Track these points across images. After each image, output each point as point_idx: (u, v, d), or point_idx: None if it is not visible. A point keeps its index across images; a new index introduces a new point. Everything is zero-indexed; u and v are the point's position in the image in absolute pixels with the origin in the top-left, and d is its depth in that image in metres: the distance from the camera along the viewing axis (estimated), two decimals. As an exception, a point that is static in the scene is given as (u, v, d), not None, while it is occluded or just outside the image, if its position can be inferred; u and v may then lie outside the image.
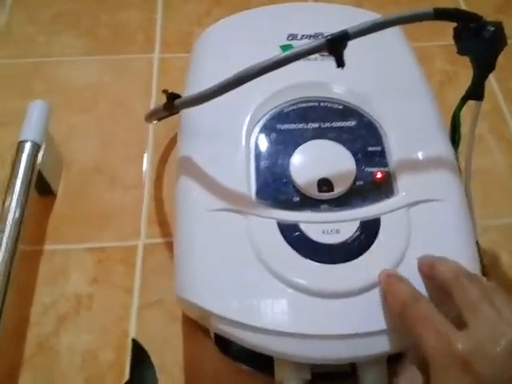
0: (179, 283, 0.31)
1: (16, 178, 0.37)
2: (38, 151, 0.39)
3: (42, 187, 0.43)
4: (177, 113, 0.40)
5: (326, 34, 0.29)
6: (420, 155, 0.34)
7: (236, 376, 0.36)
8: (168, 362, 0.36)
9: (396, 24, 0.29)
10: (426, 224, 0.31)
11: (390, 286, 0.28)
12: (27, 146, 0.39)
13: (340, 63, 0.29)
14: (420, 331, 0.24)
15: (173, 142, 0.47)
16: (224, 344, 0.35)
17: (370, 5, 0.59)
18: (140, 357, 0.37)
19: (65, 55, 0.54)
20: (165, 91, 0.33)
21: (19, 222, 0.36)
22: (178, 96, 0.33)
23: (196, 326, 0.36)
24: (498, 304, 0.23)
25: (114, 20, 0.57)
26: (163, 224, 0.43)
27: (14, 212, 0.35)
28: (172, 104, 0.32)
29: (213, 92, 0.30)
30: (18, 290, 0.39)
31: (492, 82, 0.52)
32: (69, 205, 0.44)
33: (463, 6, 0.60)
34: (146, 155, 0.47)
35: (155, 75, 0.52)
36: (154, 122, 0.43)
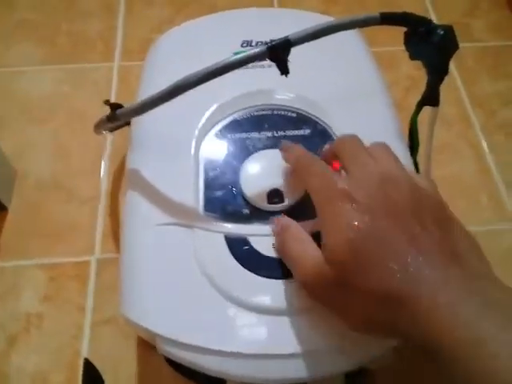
0: (123, 302, 0.30)
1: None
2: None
3: (-9, 202, 0.41)
4: (127, 124, 0.38)
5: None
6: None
7: (191, 395, 0.34)
8: (121, 382, 0.35)
9: (341, 29, 0.28)
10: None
11: (288, 149, 0.31)
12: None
13: (283, 71, 0.28)
14: (308, 177, 0.27)
15: (130, 153, 0.46)
16: (176, 363, 0.34)
17: (338, 9, 0.59)
18: (92, 377, 0.35)
19: (22, 65, 0.52)
20: (107, 101, 0.31)
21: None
22: (120, 106, 0.31)
23: (150, 344, 0.35)
24: (376, 155, 0.27)
25: (74, 29, 0.55)
26: (118, 238, 0.41)
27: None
28: (114, 114, 0.31)
29: (153, 101, 0.29)
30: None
31: (459, 85, 0.51)
32: (21, 219, 0.42)
33: (431, 10, 0.60)
34: (102, 167, 0.45)
35: (115, 84, 0.51)
36: (104, 133, 0.41)
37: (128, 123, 0.41)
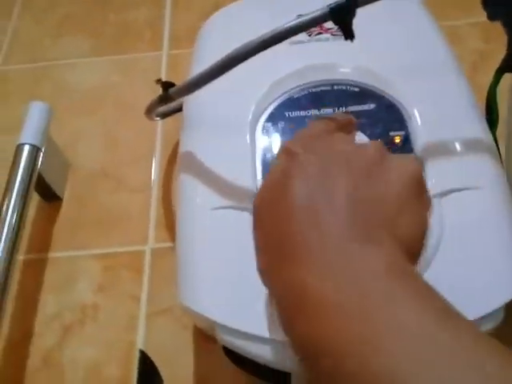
0: (181, 290, 0.28)
1: (14, 182, 0.35)
2: (37, 154, 0.37)
3: (45, 192, 0.41)
4: (179, 110, 0.37)
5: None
6: (451, 139, 0.30)
7: (251, 391, 0.32)
8: (178, 375, 0.34)
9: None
10: (461, 216, 0.27)
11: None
12: (26, 149, 0.37)
13: (348, 35, 0.25)
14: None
15: (181, 141, 0.45)
16: (236, 355, 0.32)
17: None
18: (148, 370, 0.34)
19: (71, 57, 0.52)
20: (159, 81, 0.30)
21: (16, 229, 0.33)
22: (173, 85, 0.30)
23: (208, 335, 0.33)
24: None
25: (121, 19, 0.55)
26: (172, 227, 0.40)
27: (10, 218, 0.33)
28: (167, 93, 0.30)
29: (208, 75, 0.27)
30: (22, 300, 0.37)
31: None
32: (75, 210, 0.42)
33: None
34: (153, 157, 0.44)
35: (164, 72, 0.50)
36: (157, 119, 0.40)
37: (180, 109, 0.40)
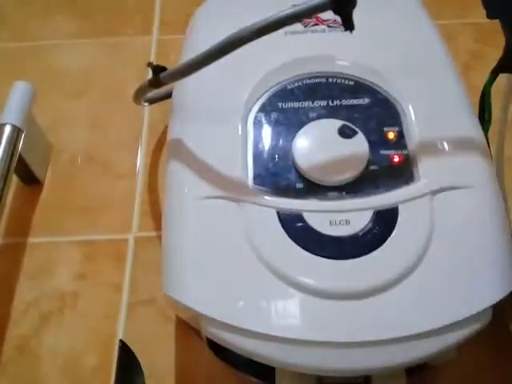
0: (166, 280, 0.28)
1: (-7, 163, 0.34)
2: (18, 135, 0.36)
3: (26, 176, 0.40)
4: (168, 97, 0.36)
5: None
6: (444, 136, 0.29)
7: (233, 383, 0.32)
8: (158, 366, 0.33)
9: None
10: (451, 215, 0.27)
11: None
12: (7, 130, 0.35)
13: (348, 25, 0.24)
14: None
15: (169, 128, 0.44)
16: (219, 348, 0.31)
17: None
18: (128, 360, 0.33)
19: (58, 38, 0.51)
20: (150, 64, 0.29)
21: (-6, 212, 0.32)
22: (164, 69, 0.29)
23: (191, 327, 0.32)
24: None
25: (111, 2, 0.53)
26: (157, 216, 0.39)
27: (-12, 200, 0.32)
28: (158, 78, 0.29)
29: (203, 59, 0.26)
30: (-1, 286, 0.36)
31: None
32: (56, 195, 0.41)
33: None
34: (139, 143, 0.43)
35: (153, 58, 0.49)
36: (145, 105, 0.39)
37: (168, 96, 0.39)
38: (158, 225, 0.39)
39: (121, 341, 0.34)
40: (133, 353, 0.33)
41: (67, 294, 0.36)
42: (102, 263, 0.37)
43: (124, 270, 0.37)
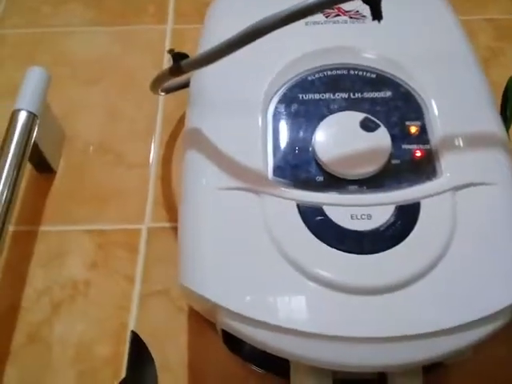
0: (183, 270, 0.27)
1: (8, 148, 0.33)
2: (33, 122, 0.36)
3: (40, 164, 0.40)
4: (184, 86, 0.36)
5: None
6: (467, 132, 0.29)
7: (246, 378, 0.32)
8: (170, 358, 0.33)
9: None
10: (474, 211, 0.26)
11: None
12: (22, 116, 0.35)
13: (376, 15, 0.24)
14: None
15: (183, 119, 0.43)
16: (233, 342, 0.31)
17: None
18: (139, 352, 0.33)
19: (72, 26, 0.50)
20: (171, 51, 0.28)
21: (8, 200, 0.32)
22: (185, 56, 0.29)
23: (203, 319, 0.32)
24: None
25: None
26: (170, 207, 0.39)
27: (3, 188, 0.32)
28: (179, 65, 0.28)
29: (225, 48, 0.26)
30: (10, 274, 0.36)
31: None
32: (69, 183, 0.40)
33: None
34: (154, 132, 0.43)
35: (168, 47, 0.48)
36: (162, 94, 0.39)
37: (185, 86, 0.39)
38: (171, 216, 0.38)
39: (132, 332, 0.34)
40: (144, 344, 0.33)
41: (79, 282, 0.36)
42: (114, 253, 0.37)
43: (136, 261, 0.36)
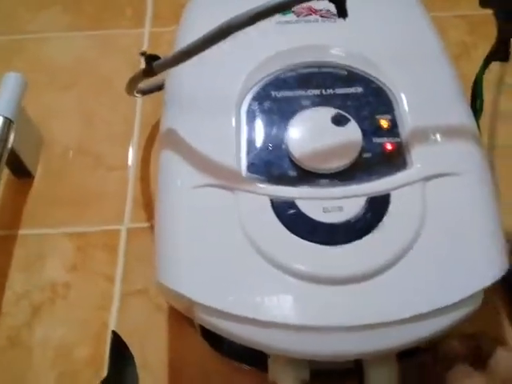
0: (159, 268, 0.27)
1: (-16, 153, 0.33)
2: (10, 127, 0.36)
3: (18, 169, 0.40)
4: (160, 89, 0.36)
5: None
6: (437, 124, 0.30)
7: (227, 373, 0.32)
8: (151, 357, 0.33)
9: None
10: (443, 201, 0.27)
11: None
12: (-2, 121, 0.35)
13: (341, 12, 0.25)
14: None
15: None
16: (212, 338, 0.31)
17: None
18: (120, 351, 0.33)
19: (49, 31, 0.50)
20: (143, 53, 0.29)
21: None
22: (157, 58, 0.29)
23: (183, 317, 0.32)
24: None
25: (102, -6, 0.53)
26: (149, 207, 0.39)
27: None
28: (151, 67, 0.28)
29: (196, 47, 0.26)
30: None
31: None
32: (47, 187, 0.40)
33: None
34: (132, 136, 0.43)
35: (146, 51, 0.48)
36: (138, 96, 0.39)
37: (161, 87, 0.39)
38: (150, 216, 0.38)
39: (113, 332, 0.33)
40: (125, 344, 0.33)
41: (59, 285, 0.36)
42: (94, 254, 0.37)
43: (116, 261, 0.36)
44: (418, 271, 0.25)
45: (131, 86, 0.34)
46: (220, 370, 0.32)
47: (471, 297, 0.25)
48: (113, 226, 0.38)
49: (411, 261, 0.25)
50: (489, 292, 0.26)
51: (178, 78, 0.33)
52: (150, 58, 0.29)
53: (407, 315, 0.24)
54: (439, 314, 0.25)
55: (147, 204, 0.39)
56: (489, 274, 0.25)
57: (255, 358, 0.29)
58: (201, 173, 0.29)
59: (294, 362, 0.27)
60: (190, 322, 0.32)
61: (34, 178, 0.41)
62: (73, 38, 0.50)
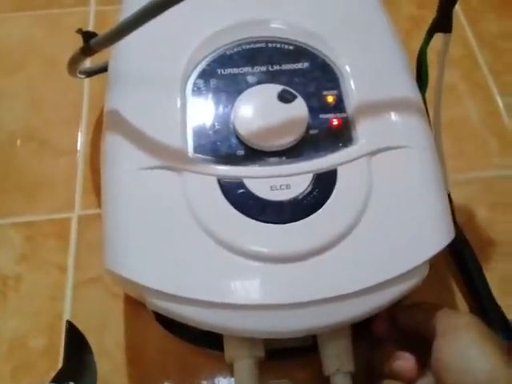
0: (107, 254, 0.27)
1: None
2: None
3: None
4: (106, 70, 0.35)
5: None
6: (382, 99, 0.30)
7: (184, 356, 0.32)
8: (108, 344, 0.32)
9: None
10: (389, 174, 0.27)
11: None
12: None
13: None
14: None
15: (112, 102, 0.42)
16: (166, 322, 0.31)
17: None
18: (76, 341, 0.32)
19: (-9, 11, 0.48)
20: (79, 30, 0.28)
21: None
22: (95, 35, 0.28)
23: (138, 302, 0.32)
24: None
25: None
26: (100, 194, 0.38)
27: None
28: (89, 44, 0.27)
29: (132, 21, 0.25)
30: None
31: (464, 25, 0.48)
32: (-7, 175, 0.39)
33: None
34: (80, 118, 0.41)
35: (91, 29, 0.47)
36: (82, 77, 0.38)
37: (106, 68, 0.37)
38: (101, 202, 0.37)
39: (68, 321, 0.33)
40: (81, 332, 0.32)
41: (9, 278, 0.35)
42: (44, 244, 0.36)
43: (68, 250, 0.35)
44: (364, 245, 0.26)
45: (72, 67, 0.33)
46: (178, 352, 0.32)
47: (417, 267, 0.25)
48: (63, 213, 0.37)
49: (358, 236, 0.26)
50: (438, 261, 0.26)
51: (121, 57, 0.32)
52: (88, 36, 0.28)
53: (357, 289, 0.25)
54: (387, 285, 0.25)
55: (98, 189, 0.38)
56: (433, 244, 0.26)
57: (210, 339, 0.29)
58: (146, 155, 0.28)
59: (248, 340, 0.27)
60: (144, 306, 0.32)
61: (-22, 166, 0.39)
62: (16, 19, 0.48)
